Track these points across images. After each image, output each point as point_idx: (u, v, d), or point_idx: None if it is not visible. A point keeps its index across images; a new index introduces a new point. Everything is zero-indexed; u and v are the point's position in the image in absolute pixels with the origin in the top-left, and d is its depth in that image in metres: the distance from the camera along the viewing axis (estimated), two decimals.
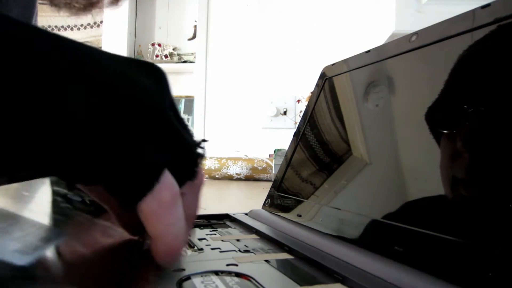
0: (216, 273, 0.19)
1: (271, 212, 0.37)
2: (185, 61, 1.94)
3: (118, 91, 0.18)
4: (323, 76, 0.40)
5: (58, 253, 0.21)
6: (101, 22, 2.02)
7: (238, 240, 0.28)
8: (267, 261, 0.22)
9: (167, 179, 0.18)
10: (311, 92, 0.44)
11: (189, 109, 1.96)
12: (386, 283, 0.18)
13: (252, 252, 0.24)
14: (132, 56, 1.96)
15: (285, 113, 1.74)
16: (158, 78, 0.21)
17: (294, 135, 0.40)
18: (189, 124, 0.24)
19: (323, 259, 0.22)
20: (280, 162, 0.76)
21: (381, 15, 1.39)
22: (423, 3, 1.18)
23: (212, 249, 0.25)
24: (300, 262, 0.22)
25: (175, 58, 1.95)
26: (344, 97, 0.35)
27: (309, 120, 0.38)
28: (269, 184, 0.45)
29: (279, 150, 1.16)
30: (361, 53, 0.34)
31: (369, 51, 0.33)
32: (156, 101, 0.20)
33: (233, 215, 0.37)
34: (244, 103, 1.78)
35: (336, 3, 1.72)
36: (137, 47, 2.01)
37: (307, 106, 0.40)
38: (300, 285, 0.18)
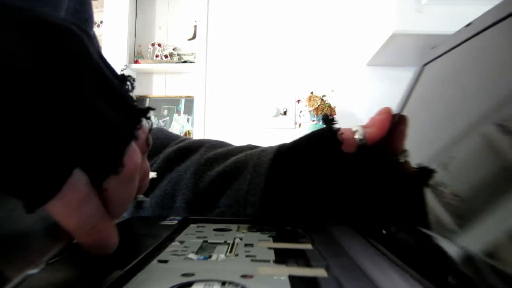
0: (223, 283, 0.18)
1: None
2: (185, 61, 1.93)
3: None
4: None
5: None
6: (101, 22, 2.01)
7: (288, 249, 0.24)
8: (291, 277, 0.18)
9: (74, 179, 0.16)
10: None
11: (189, 109, 1.95)
12: None
13: (284, 264, 0.20)
14: (132, 56, 1.95)
15: (285, 113, 1.73)
16: (68, 46, 0.17)
17: None
18: (132, 94, 0.20)
19: None
20: None
21: (381, 15, 1.39)
22: (423, 3, 1.17)
23: (247, 256, 0.22)
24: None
25: (175, 58, 1.95)
26: (443, 83, 0.28)
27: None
28: None
29: None
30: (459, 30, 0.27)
31: (469, 24, 0.26)
32: (51, 78, 0.16)
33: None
34: (244, 103, 1.78)
35: (336, 3, 1.72)
36: (137, 47, 2.00)
37: (403, 97, 0.34)
38: None
